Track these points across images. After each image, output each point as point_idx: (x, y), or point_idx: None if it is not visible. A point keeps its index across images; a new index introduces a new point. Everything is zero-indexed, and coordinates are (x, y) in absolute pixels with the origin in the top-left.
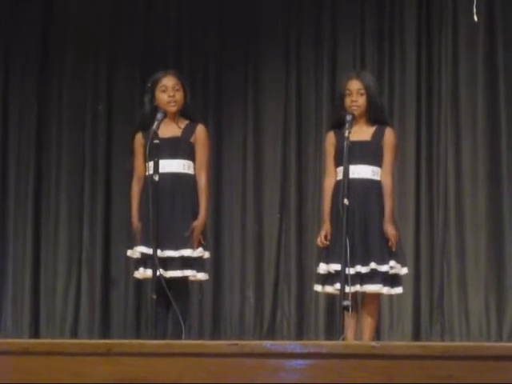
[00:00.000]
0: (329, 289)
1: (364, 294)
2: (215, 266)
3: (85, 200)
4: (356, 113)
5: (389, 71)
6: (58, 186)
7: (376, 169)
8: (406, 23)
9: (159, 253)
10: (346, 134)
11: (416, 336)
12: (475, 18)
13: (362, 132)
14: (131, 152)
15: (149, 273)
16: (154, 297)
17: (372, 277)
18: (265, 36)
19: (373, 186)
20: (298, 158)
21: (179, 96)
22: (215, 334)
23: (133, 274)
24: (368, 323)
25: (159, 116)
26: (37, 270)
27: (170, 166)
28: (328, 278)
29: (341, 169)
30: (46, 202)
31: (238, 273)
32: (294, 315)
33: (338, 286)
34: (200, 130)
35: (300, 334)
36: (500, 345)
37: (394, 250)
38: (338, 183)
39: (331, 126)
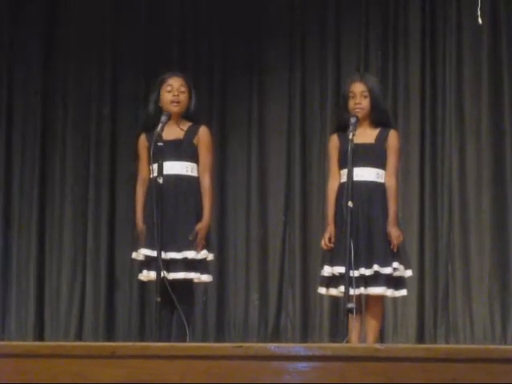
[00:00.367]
0: (333, 291)
1: (368, 297)
2: (219, 269)
3: (89, 203)
4: (359, 115)
5: (393, 73)
6: (63, 189)
7: (380, 171)
8: (410, 25)
9: (163, 255)
10: (350, 137)
11: (420, 339)
12: (480, 21)
13: (365, 134)
14: (135, 154)
15: (153, 275)
16: (159, 299)
17: (376, 279)
18: (269, 38)
19: (377, 188)
20: (302, 160)
21: (183, 97)
22: (219, 337)
23: (137, 276)
24: (372, 326)
25: (163, 118)
26: (41, 273)
27: (173, 168)
28: (332, 281)
29: (345, 171)
30: (50, 205)
31: (242, 275)
32: (299, 318)
33: (342, 288)
34: (203, 132)
35: (304, 337)
36: (504, 347)
37: (395, 251)
38: (341, 186)
39: (335, 128)
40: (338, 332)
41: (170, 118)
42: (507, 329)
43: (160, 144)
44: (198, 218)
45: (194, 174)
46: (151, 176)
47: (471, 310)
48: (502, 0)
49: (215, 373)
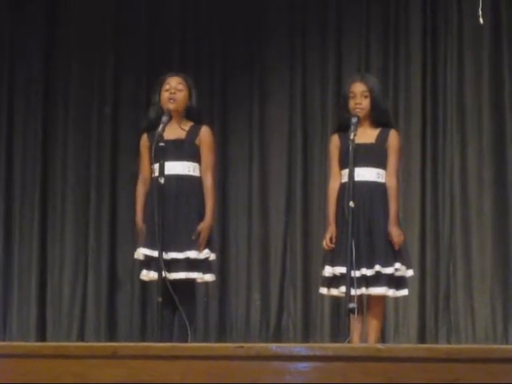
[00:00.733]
0: (334, 291)
1: (369, 297)
2: (221, 269)
3: (91, 203)
4: (360, 115)
5: (394, 73)
6: (65, 189)
7: (381, 171)
8: (411, 25)
9: (164, 255)
10: (352, 137)
11: (421, 339)
12: (481, 21)
13: (366, 135)
14: (137, 154)
15: (153, 275)
16: (160, 300)
17: (377, 279)
18: (270, 38)
19: (378, 188)
20: (303, 160)
21: (180, 96)
22: (221, 337)
23: (139, 276)
24: (373, 326)
25: (164, 119)
26: (43, 273)
27: (175, 168)
28: (333, 281)
29: (345, 171)
30: (51, 205)
31: (243, 275)
32: (300, 318)
33: (343, 288)
34: (204, 132)
35: (306, 337)
36: (506, 347)
37: (397, 249)
38: (342, 186)
39: (335, 128)
40: (340, 332)
41: (171, 118)
42: (509, 329)
43: (161, 144)
44: (200, 217)
45: (196, 173)
46: (153, 176)
47: (473, 309)
48: (503, 0)
49: (216, 373)
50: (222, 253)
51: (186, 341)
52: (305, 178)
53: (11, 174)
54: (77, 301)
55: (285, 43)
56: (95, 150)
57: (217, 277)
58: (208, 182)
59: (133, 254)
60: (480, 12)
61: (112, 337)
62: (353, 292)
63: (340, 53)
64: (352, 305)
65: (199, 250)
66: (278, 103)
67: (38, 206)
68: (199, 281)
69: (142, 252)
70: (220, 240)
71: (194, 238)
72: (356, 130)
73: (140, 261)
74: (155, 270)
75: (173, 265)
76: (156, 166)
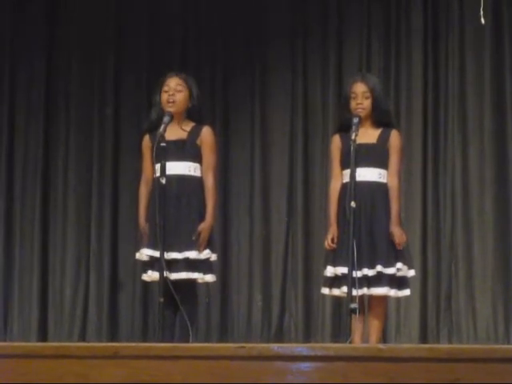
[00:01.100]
0: (336, 292)
1: (371, 297)
2: (223, 269)
3: (92, 203)
4: (361, 115)
5: (395, 73)
6: (66, 189)
7: (382, 171)
8: (412, 25)
9: (164, 255)
10: (353, 137)
11: (423, 339)
12: (482, 21)
13: (367, 135)
14: (139, 155)
15: (156, 275)
16: (162, 300)
17: (379, 279)
18: (271, 38)
19: (379, 188)
20: (304, 160)
21: (179, 97)
22: (222, 337)
23: (141, 277)
24: (375, 326)
25: (166, 119)
26: (45, 274)
27: (176, 168)
28: (335, 281)
29: (347, 172)
30: (53, 205)
31: (245, 276)
32: (301, 318)
33: (344, 288)
34: (206, 132)
35: (307, 337)
36: (507, 347)
37: (399, 248)
38: (344, 186)
39: (337, 129)
40: (341, 332)
41: (172, 118)
42: (510, 329)
43: (163, 144)
44: (201, 218)
45: (197, 174)
46: (154, 176)
47: (474, 310)
48: (505, 0)
49: (218, 373)
50: (224, 253)
51: (187, 341)
52: (306, 178)
53: (12, 175)
54: (78, 301)
55: (286, 43)
56: (97, 151)
57: (218, 277)
58: (209, 183)
59: (134, 255)
60: (481, 12)
61: (113, 337)
62: (354, 292)
63: (341, 53)
64: (353, 305)
65: (199, 250)
66: (279, 104)
67: (40, 206)
68: (200, 281)
69: (145, 253)
70: (222, 240)
71: (194, 238)
72: (357, 130)
73: (143, 261)
74: (157, 271)
75: (173, 265)
76: (157, 167)
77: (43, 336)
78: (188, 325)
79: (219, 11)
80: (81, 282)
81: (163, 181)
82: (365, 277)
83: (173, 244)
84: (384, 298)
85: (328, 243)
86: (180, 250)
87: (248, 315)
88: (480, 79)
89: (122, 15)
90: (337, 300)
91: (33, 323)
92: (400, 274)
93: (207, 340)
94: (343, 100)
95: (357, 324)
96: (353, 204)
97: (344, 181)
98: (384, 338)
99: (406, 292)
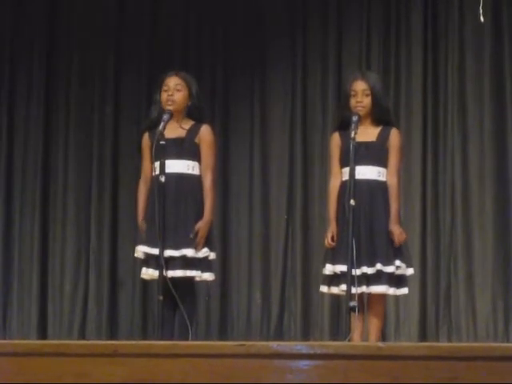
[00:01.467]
0: (335, 290)
1: (370, 295)
2: (222, 267)
3: (92, 201)
4: (361, 113)
5: (395, 72)
6: (66, 187)
7: (382, 170)
8: (412, 24)
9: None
10: (352, 135)
11: (422, 337)
12: (481, 19)
13: (367, 133)
14: (139, 153)
15: (153, 273)
16: (161, 298)
17: (378, 278)
18: (271, 37)
19: (378, 186)
20: (304, 159)
21: (178, 96)
22: (222, 335)
23: (140, 275)
24: (374, 324)
25: (165, 117)
26: (44, 272)
27: (175, 166)
28: (334, 279)
29: (346, 170)
30: (53, 204)
31: (244, 274)
32: (301, 316)
33: (343, 287)
34: (204, 131)
35: (306, 335)
36: (507, 345)
37: (398, 246)
38: (343, 184)
39: (336, 126)
40: (340, 330)
41: (171, 116)
42: (510, 327)
43: (162, 142)
44: (199, 216)
45: (196, 172)
46: (153, 174)
47: (474, 308)
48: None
49: (218, 371)
50: (223, 251)
51: (187, 339)
52: (305, 176)
53: (12, 174)
54: (78, 299)
55: (285, 42)
56: (96, 150)
57: (218, 275)
58: (207, 181)
59: (134, 253)
60: (481, 10)
61: (113, 335)
62: (353, 290)
63: (341, 51)
64: (353, 303)
65: (197, 248)
66: (278, 101)
67: (39, 204)
68: (198, 279)
69: (140, 249)
70: (221, 239)
71: (191, 236)
72: (357, 128)
73: (141, 259)
74: (154, 268)
75: (170, 262)
76: (157, 165)
77: (43, 334)
78: (187, 323)
79: (219, 11)
80: (80, 280)
81: (162, 179)
82: (364, 275)
83: (170, 242)
84: (383, 296)
85: (328, 241)
86: (177, 248)
87: (247, 313)
88: (479, 78)
89: (121, 15)
90: (336, 298)
91: (32, 321)
92: (399, 272)
93: (207, 338)
94: (343, 98)
95: (356, 322)
96: (352, 202)
97: (343, 179)
98: (383, 336)
99: (405, 291)
